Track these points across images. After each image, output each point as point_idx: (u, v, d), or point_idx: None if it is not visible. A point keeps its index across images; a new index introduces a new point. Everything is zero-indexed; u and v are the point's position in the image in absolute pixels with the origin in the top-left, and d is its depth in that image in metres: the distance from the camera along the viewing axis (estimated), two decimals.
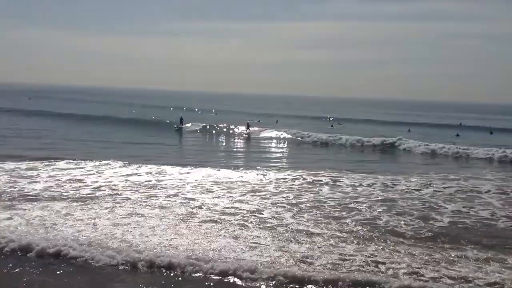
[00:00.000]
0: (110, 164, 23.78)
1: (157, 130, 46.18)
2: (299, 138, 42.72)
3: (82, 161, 24.14)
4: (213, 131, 47.33)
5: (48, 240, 11.92)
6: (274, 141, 42.15)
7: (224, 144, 40.47)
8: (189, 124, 49.39)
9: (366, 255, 11.91)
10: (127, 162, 24.18)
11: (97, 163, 23.90)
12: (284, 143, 41.05)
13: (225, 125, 49.30)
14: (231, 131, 47.35)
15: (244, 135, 44.95)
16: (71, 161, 24.10)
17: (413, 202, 18.10)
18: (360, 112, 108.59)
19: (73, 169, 22.26)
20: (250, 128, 45.92)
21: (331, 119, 75.17)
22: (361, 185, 21.11)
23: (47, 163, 23.29)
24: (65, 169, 22.04)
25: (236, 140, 42.60)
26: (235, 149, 37.14)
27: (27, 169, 21.46)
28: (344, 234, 13.71)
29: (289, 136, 43.43)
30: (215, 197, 17.74)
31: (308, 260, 11.44)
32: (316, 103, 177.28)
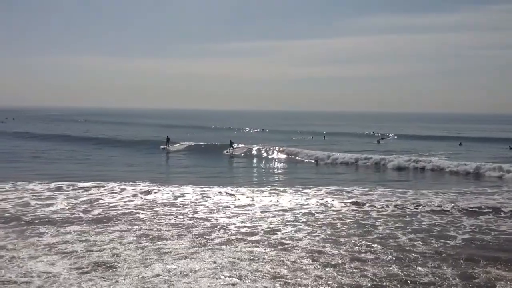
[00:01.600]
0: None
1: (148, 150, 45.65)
2: (290, 156, 40.85)
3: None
4: (199, 151, 45.64)
5: None
6: (270, 159, 40.45)
7: (200, 163, 37.93)
8: (176, 144, 48.65)
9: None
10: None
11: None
12: (278, 161, 39.37)
13: (217, 143, 48.78)
14: (217, 150, 45.22)
15: (226, 153, 43.67)
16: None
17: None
18: (406, 127, 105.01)
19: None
20: (233, 146, 45.19)
21: (375, 134, 72.95)
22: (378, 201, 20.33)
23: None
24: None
25: (218, 159, 40.40)
26: (212, 168, 34.27)
27: None
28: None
29: (283, 155, 41.55)
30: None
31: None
32: (355, 118, 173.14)
